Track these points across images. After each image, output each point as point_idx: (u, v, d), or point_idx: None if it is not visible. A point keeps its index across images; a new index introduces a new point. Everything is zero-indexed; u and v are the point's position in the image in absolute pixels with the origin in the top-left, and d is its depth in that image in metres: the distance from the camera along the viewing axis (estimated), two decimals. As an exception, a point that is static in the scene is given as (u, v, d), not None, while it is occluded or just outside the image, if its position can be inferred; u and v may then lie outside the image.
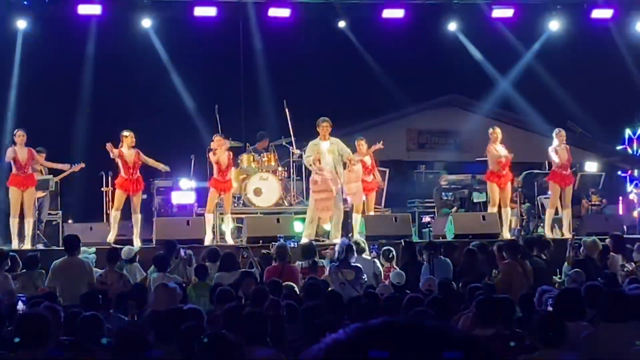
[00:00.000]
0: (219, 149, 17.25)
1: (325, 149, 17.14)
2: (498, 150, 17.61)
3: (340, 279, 12.87)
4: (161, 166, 17.36)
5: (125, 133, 16.89)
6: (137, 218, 16.86)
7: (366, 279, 12.88)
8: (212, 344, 6.10)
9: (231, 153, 17.61)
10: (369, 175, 17.84)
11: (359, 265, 13.26)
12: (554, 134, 17.94)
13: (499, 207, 17.43)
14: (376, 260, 14.29)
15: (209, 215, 17.09)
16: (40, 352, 6.39)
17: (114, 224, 16.77)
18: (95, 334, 7.54)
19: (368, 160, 17.89)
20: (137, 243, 16.42)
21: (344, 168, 17.13)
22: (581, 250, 14.77)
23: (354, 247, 13.40)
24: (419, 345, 1.08)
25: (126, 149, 16.83)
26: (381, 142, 17.98)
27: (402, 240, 15.39)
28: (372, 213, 17.74)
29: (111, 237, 16.57)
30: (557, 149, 17.74)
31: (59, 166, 17.58)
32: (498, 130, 17.89)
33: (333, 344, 1.11)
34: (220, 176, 17.20)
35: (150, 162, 17.15)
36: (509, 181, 17.67)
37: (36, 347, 6.42)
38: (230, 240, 16.89)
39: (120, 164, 16.81)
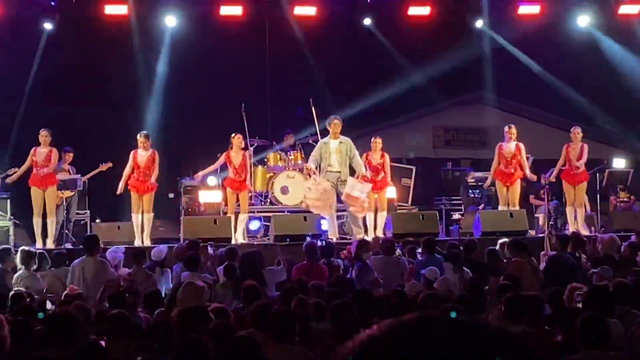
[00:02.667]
0: (235, 147, 17.25)
1: (333, 148, 17.09)
2: (507, 148, 17.60)
3: (369, 278, 12.88)
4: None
5: (138, 137, 16.94)
6: (149, 217, 16.86)
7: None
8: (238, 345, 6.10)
9: (246, 154, 17.55)
10: (379, 175, 17.67)
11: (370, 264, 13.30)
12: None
13: (507, 206, 17.40)
14: (403, 258, 14.26)
15: (230, 216, 17.09)
16: (70, 351, 6.42)
17: (136, 229, 16.77)
18: (122, 332, 7.59)
19: (375, 160, 17.71)
20: (146, 242, 16.46)
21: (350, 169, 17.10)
22: (598, 247, 14.70)
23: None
24: (454, 341, 1.07)
25: (142, 151, 16.88)
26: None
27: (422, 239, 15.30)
28: (384, 212, 17.60)
29: (138, 242, 16.60)
30: (569, 146, 17.72)
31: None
32: (514, 129, 17.86)
33: (368, 339, 1.10)
34: (235, 175, 17.19)
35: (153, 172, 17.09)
36: (517, 179, 17.59)
37: (65, 346, 6.45)
38: (240, 239, 16.83)
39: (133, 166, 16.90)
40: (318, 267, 13.22)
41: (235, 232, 16.79)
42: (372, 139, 17.86)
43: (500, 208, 17.63)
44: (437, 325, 1.09)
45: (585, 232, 17.00)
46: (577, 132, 17.90)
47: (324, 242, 15.36)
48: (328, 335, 8.03)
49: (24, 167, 16.83)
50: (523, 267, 12.68)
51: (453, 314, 6.99)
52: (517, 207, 17.54)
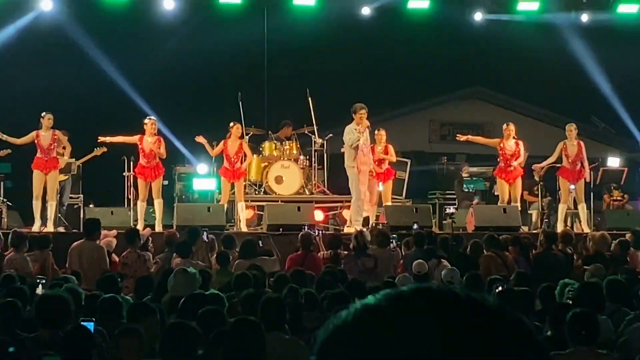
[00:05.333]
0: (232, 136, 17.27)
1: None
2: (507, 146, 17.61)
3: (360, 268, 12.91)
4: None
5: (145, 120, 16.99)
6: (158, 203, 16.93)
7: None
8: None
9: (243, 142, 17.58)
10: (381, 166, 17.70)
11: (376, 255, 13.38)
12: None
13: (509, 202, 17.42)
14: (397, 250, 14.30)
15: (224, 205, 17.11)
16: (59, 333, 6.41)
17: (140, 216, 16.82)
18: (114, 316, 7.59)
19: (379, 152, 17.71)
20: (158, 228, 16.48)
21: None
22: (589, 244, 14.75)
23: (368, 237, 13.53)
24: (451, 312, 1.07)
25: (148, 136, 16.92)
26: None
27: (412, 230, 15.35)
28: (389, 203, 17.67)
29: (140, 227, 16.61)
30: (565, 144, 17.73)
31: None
32: (512, 127, 17.86)
33: (362, 308, 1.10)
34: (229, 165, 17.21)
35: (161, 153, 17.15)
36: (519, 176, 17.61)
37: (55, 328, 6.44)
38: (244, 228, 16.88)
39: (139, 151, 16.94)
40: (312, 257, 13.24)
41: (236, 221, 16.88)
42: (376, 131, 17.82)
43: (499, 205, 17.60)
44: (433, 296, 1.09)
45: (587, 229, 17.03)
46: (572, 129, 17.89)
47: (320, 232, 15.41)
48: (320, 325, 8.02)
49: (19, 140, 16.82)
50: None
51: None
52: (519, 204, 17.54)
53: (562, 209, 17.78)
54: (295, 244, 14.23)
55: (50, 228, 16.43)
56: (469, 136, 18.54)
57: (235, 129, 17.39)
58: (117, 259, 13.48)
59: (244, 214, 17.21)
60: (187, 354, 5.67)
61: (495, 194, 18.72)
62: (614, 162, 21.07)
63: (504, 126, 18.05)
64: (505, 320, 1.08)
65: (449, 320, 1.05)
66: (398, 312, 1.07)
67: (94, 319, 6.78)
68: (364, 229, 15.21)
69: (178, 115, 20.36)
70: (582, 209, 17.69)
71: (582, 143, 17.87)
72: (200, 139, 17.48)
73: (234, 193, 17.35)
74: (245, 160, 17.48)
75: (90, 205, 18.65)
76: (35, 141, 16.70)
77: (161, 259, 13.45)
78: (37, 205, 16.65)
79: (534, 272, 12.78)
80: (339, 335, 1.09)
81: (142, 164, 16.93)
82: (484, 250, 13.65)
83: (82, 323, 6.44)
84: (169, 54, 21.22)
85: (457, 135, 18.77)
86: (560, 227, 17.01)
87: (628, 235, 14.81)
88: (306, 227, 15.38)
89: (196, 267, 11.35)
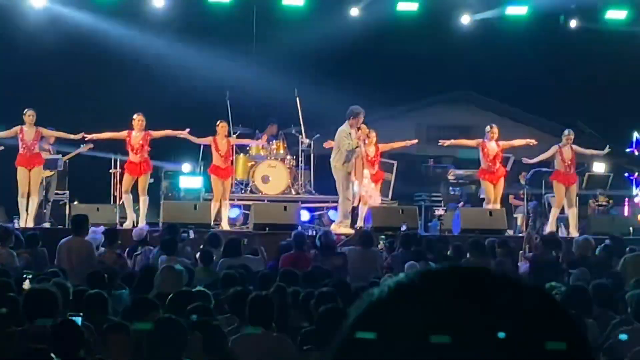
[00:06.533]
0: (219, 135, 17.27)
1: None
2: (490, 148, 17.69)
3: (328, 267, 12.91)
4: (176, 133, 17.24)
5: (134, 116, 16.95)
6: (143, 200, 16.90)
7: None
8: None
9: (230, 140, 17.58)
10: (373, 167, 17.76)
11: (344, 252, 13.45)
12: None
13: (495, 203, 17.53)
14: (381, 252, 14.33)
15: (215, 203, 17.09)
16: (47, 327, 6.40)
17: (128, 209, 16.80)
18: (99, 311, 7.58)
19: (372, 151, 17.78)
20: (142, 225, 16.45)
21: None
22: (573, 249, 14.78)
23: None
24: (487, 290, 1.07)
25: (135, 132, 16.89)
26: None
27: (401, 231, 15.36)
28: (377, 204, 17.73)
29: (129, 223, 16.61)
30: (560, 148, 17.82)
31: (70, 136, 17.49)
32: (495, 129, 17.97)
33: (396, 287, 1.10)
34: (220, 163, 17.21)
35: (168, 132, 17.15)
36: (502, 177, 17.72)
37: (45, 320, 6.43)
38: (226, 226, 16.87)
39: (127, 147, 16.92)
40: (305, 256, 13.24)
41: (221, 220, 16.85)
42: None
43: (486, 207, 17.67)
44: (468, 275, 1.09)
45: (575, 233, 17.09)
46: (570, 137, 18.02)
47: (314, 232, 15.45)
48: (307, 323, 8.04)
49: (1, 134, 16.76)
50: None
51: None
52: (499, 205, 17.62)
53: (554, 213, 17.86)
54: (280, 243, 14.24)
55: (30, 224, 16.35)
56: (451, 140, 18.60)
57: (221, 127, 17.38)
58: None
59: (226, 213, 17.19)
60: (177, 349, 5.67)
61: (481, 197, 18.78)
62: (599, 167, 21.14)
63: (488, 128, 18.17)
64: (538, 297, 1.09)
65: (483, 296, 1.05)
66: (432, 289, 1.07)
67: (81, 314, 6.77)
68: (330, 230, 15.29)
69: (166, 112, 20.31)
70: (572, 214, 17.77)
71: (574, 146, 17.99)
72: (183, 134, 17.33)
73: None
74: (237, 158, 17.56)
75: (75, 202, 18.59)
76: (19, 137, 16.62)
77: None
78: (22, 203, 16.59)
79: (535, 276, 12.78)
80: (373, 311, 1.09)
81: (131, 160, 16.90)
82: (467, 254, 13.66)
83: (70, 317, 6.43)
84: (157, 50, 21.16)
85: (440, 141, 18.83)
86: (549, 230, 17.10)
87: (607, 241, 14.81)
88: (299, 227, 15.45)
89: (181, 265, 11.35)
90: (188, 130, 17.17)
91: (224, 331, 6.66)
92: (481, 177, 17.96)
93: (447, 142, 18.50)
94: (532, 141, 18.19)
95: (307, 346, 7.37)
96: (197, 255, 13.30)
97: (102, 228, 14.64)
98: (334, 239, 14.12)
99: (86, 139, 17.49)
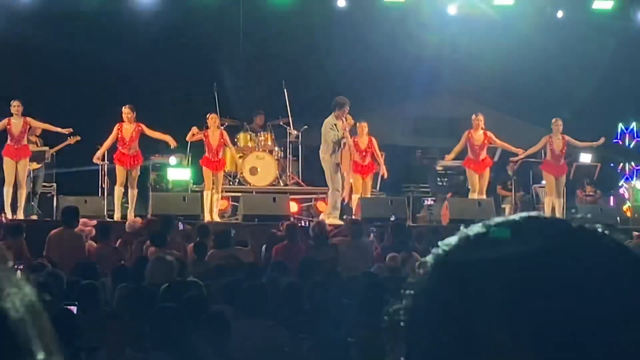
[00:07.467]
0: (211, 127, 17.27)
1: None
2: (475, 136, 17.73)
3: (321, 258, 12.92)
4: (168, 138, 17.21)
5: (123, 108, 16.92)
6: (133, 193, 16.87)
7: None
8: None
9: (223, 132, 17.58)
10: (365, 159, 17.76)
11: (335, 243, 13.48)
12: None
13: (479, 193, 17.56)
14: (371, 241, 14.37)
15: (207, 193, 17.10)
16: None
17: (117, 201, 16.76)
18: (92, 302, 7.57)
19: (363, 143, 17.78)
20: (131, 218, 16.40)
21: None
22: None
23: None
24: (568, 241, 1.07)
25: (126, 124, 16.86)
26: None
27: (390, 221, 15.39)
28: (368, 196, 17.74)
29: (117, 215, 16.58)
30: (551, 138, 17.86)
31: (58, 129, 17.43)
32: (481, 117, 18.03)
33: (475, 238, 1.09)
34: (211, 155, 17.20)
35: (156, 134, 17.15)
36: (487, 167, 17.76)
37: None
38: (216, 218, 16.87)
39: (118, 139, 16.89)
40: (297, 247, 13.25)
41: (210, 212, 16.83)
42: (358, 124, 17.82)
43: (471, 196, 17.71)
44: (546, 225, 1.09)
45: None
46: (559, 123, 18.05)
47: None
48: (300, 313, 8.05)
49: None
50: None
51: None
52: (484, 196, 17.67)
53: (547, 202, 17.92)
54: (268, 234, 14.24)
55: (20, 216, 16.32)
56: (451, 155, 18.52)
57: (211, 119, 17.38)
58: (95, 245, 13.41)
59: (217, 205, 17.19)
60: (176, 338, 5.67)
61: (469, 187, 18.84)
62: (586, 157, 21.19)
63: (473, 116, 18.22)
64: (614, 248, 1.09)
65: (561, 244, 1.06)
66: (514, 241, 1.06)
67: (77, 303, 6.76)
68: (323, 220, 15.29)
69: (152, 105, 20.25)
70: (559, 204, 17.82)
71: (567, 137, 18.02)
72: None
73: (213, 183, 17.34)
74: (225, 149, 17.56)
75: (61, 196, 18.51)
76: (7, 128, 16.57)
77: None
78: (7, 192, 16.54)
79: None
80: (469, 241, 1.08)
81: (122, 152, 16.86)
82: None
83: (65, 307, 6.42)
84: (146, 42, 21.09)
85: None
86: None
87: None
88: (292, 218, 15.46)
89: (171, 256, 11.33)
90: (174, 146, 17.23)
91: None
92: (466, 166, 18.01)
93: (447, 161, 18.50)
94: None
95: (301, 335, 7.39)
96: (189, 247, 13.28)
97: (94, 222, 14.59)
98: (327, 229, 14.13)
99: (93, 160, 17.37)
